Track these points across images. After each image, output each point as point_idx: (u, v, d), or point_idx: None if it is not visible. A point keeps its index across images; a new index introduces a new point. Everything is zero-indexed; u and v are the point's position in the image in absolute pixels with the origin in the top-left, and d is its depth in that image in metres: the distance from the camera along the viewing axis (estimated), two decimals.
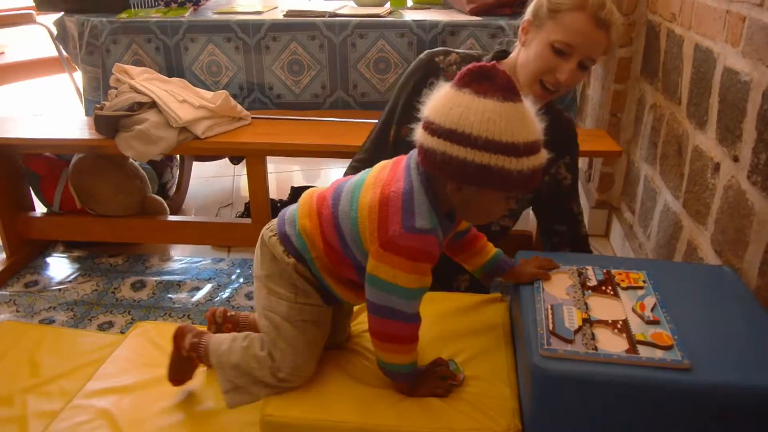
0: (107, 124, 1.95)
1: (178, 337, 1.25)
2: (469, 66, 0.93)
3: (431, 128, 0.94)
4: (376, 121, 1.59)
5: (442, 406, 1.09)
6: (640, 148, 2.11)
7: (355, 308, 1.31)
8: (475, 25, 2.13)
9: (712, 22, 1.52)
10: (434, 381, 1.12)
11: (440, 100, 0.94)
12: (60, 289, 2.14)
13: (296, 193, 2.56)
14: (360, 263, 1.06)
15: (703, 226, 1.53)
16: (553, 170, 1.52)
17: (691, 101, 1.64)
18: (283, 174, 3.27)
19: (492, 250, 1.24)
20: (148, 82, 2.04)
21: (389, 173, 1.04)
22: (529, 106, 0.94)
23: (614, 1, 1.35)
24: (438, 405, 1.09)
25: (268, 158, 3.26)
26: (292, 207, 1.15)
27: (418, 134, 0.97)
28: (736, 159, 1.36)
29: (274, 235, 1.13)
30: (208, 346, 1.20)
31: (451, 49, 1.54)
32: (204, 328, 1.31)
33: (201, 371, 1.36)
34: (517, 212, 1.62)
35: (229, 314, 1.37)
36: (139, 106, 1.95)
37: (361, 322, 1.32)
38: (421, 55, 1.52)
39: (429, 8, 2.45)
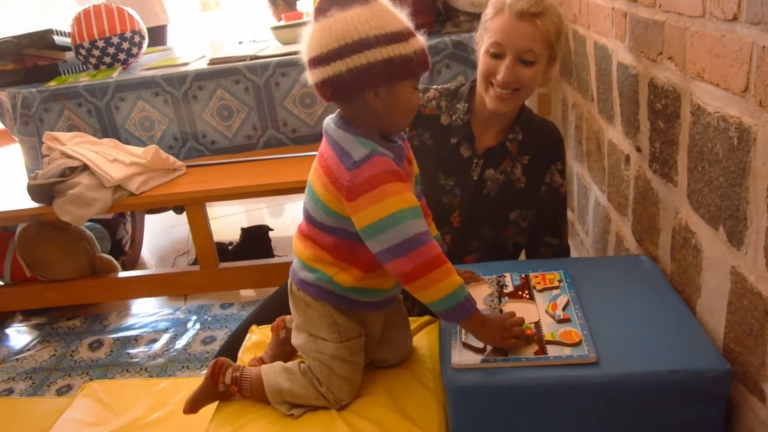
0: (41, 193, 1.97)
1: (217, 372, 1.19)
2: (319, 1, 0.97)
3: (323, 59, 0.96)
4: (312, 153, 1.60)
5: (370, 425, 1.10)
6: (570, 147, 2.15)
7: None
8: None
9: (603, 20, 1.57)
10: (506, 326, 1.04)
11: (312, 36, 0.97)
12: (18, 359, 2.14)
13: (247, 234, 2.58)
14: (357, 233, 1.03)
15: (625, 216, 1.57)
16: (548, 178, 1.50)
17: (599, 98, 1.69)
18: (231, 217, 3.29)
19: (433, 231, 1.22)
20: (78, 146, 2.07)
21: (318, 154, 1.07)
22: (386, 1, 0.99)
23: None
24: (366, 424, 1.10)
25: (217, 203, 3.31)
26: (294, 261, 1.16)
27: (311, 76, 1.00)
28: (639, 149, 1.39)
29: (296, 286, 1.13)
30: (254, 380, 1.16)
31: (429, 86, 1.56)
32: (241, 363, 1.25)
33: None
34: (528, 229, 1.57)
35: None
36: (70, 171, 1.98)
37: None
38: None
39: None
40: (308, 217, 1.09)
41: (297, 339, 1.16)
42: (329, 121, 1.06)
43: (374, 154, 0.98)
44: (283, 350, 1.26)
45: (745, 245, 0.92)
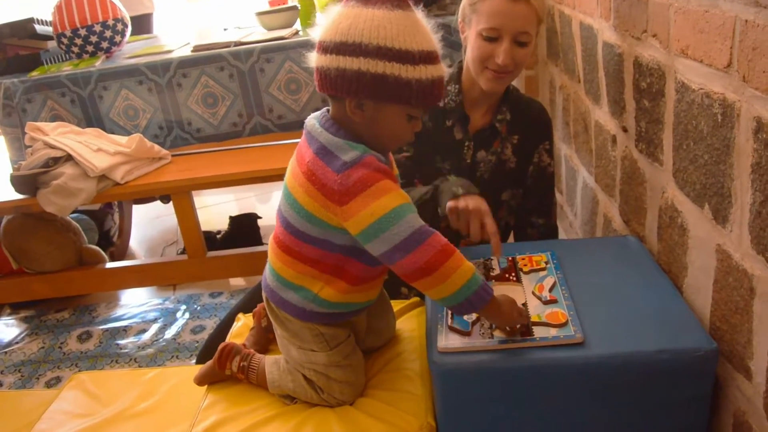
0: (24, 184, 1.95)
1: (224, 357, 1.18)
2: None
3: (322, 47, 0.91)
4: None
5: (355, 412, 1.09)
6: (557, 129, 2.14)
7: None
8: None
9: None
10: (518, 308, 1.02)
11: (328, 20, 0.92)
12: (6, 352, 2.12)
13: (235, 222, 2.57)
14: (346, 246, 1.00)
15: (612, 197, 1.56)
16: (536, 158, 1.49)
17: (586, 78, 1.68)
18: (221, 205, 3.27)
19: None
20: (62, 136, 2.05)
21: (296, 157, 1.01)
22: (422, 16, 0.92)
23: None
24: (352, 411, 1.10)
25: (207, 191, 3.29)
26: (266, 270, 1.12)
27: (313, 58, 0.95)
28: (625, 129, 1.39)
29: (273, 306, 1.10)
30: (261, 372, 1.16)
31: None
32: (249, 350, 1.20)
33: None
34: (516, 208, 1.57)
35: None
36: (54, 162, 1.95)
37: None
38: None
39: None
40: (288, 227, 1.01)
41: (286, 352, 1.12)
42: (313, 120, 1.00)
43: (367, 154, 0.93)
44: (265, 337, 1.26)
45: (730, 222, 0.92)
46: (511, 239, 1.63)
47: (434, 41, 0.93)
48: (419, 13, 0.93)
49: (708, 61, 0.93)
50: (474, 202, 1.19)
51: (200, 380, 1.22)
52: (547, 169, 1.52)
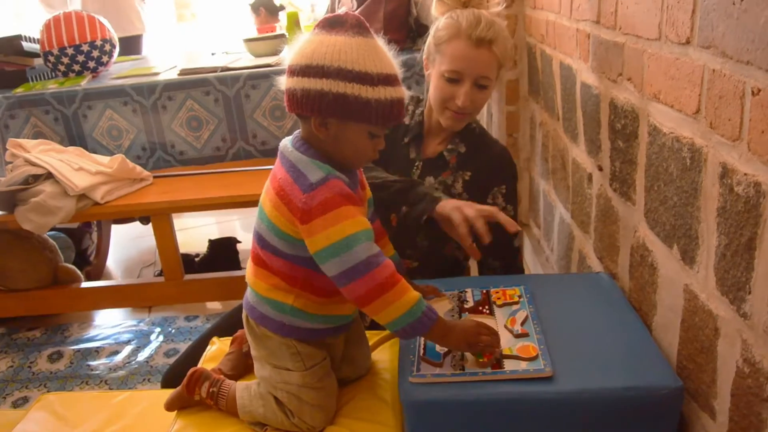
0: (2, 200, 1.94)
1: (192, 382, 1.18)
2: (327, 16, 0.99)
3: (290, 70, 0.98)
4: None
5: None
6: (537, 164, 2.18)
7: None
8: None
9: (568, 40, 1.60)
10: (474, 330, 1.03)
11: (296, 46, 0.99)
12: None
13: (214, 246, 2.56)
14: (313, 260, 1.01)
15: (587, 234, 1.59)
16: (490, 199, 1.49)
17: (564, 117, 1.72)
18: (201, 228, 3.27)
19: (389, 252, 1.22)
20: (43, 153, 2.04)
21: (270, 175, 1.06)
22: (382, 44, 0.99)
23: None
24: None
25: (186, 214, 3.29)
26: (247, 290, 1.13)
27: (283, 82, 1.01)
28: (600, 168, 1.42)
29: (252, 322, 1.11)
30: (230, 399, 1.16)
31: None
32: (218, 375, 1.21)
33: None
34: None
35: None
36: (34, 179, 1.95)
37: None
38: None
39: None
40: (260, 240, 1.06)
41: (260, 371, 1.13)
42: (286, 142, 1.05)
43: (330, 177, 0.97)
44: (243, 363, 1.25)
45: (697, 264, 0.94)
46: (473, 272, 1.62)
47: (394, 65, 0.99)
48: (380, 41, 0.99)
49: (678, 107, 0.96)
50: (469, 210, 1.24)
51: (169, 405, 1.20)
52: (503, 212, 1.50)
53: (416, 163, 1.48)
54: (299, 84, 0.96)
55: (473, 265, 1.60)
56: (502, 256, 1.52)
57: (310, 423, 1.10)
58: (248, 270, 1.12)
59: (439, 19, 1.40)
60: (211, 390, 1.16)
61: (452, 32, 1.35)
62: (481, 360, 1.04)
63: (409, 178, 1.40)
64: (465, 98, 1.36)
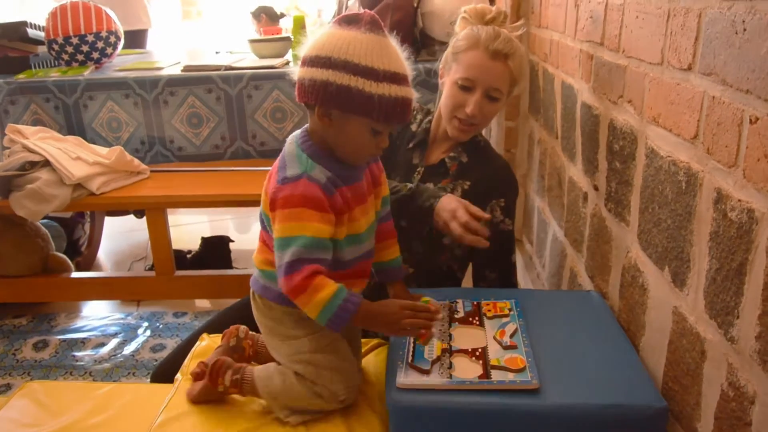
0: None
1: (215, 373, 1.18)
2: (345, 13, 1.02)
3: (302, 61, 1.01)
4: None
5: None
6: (533, 181, 2.20)
7: None
8: None
9: (570, 60, 1.62)
10: (397, 315, 1.04)
11: (312, 38, 1.02)
12: None
13: (207, 243, 2.56)
14: None
15: (580, 253, 1.60)
16: (488, 210, 1.47)
17: (563, 135, 1.73)
18: (194, 225, 3.27)
19: (394, 254, 1.24)
20: (41, 140, 2.04)
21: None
22: (395, 43, 1.01)
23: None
24: None
25: (182, 211, 3.29)
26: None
27: (295, 72, 1.04)
28: (596, 188, 1.43)
29: (257, 294, 1.14)
30: (253, 383, 1.17)
31: None
32: (241, 363, 1.22)
33: None
34: (465, 257, 1.57)
35: (249, 333, 1.32)
36: (31, 165, 1.95)
37: None
38: None
39: None
40: (261, 221, 1.11)
41: (274, 351, 1.16)
42: (295, 132, 1.09)
43: (303, 176, 1.01)
44: (230, 356, 1.25)
45: (687, 286, 0.95)
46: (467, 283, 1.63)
47: (403, 65, 1.01)
48: (393, 40, 1.01)
49: (677, 131, 0.98)
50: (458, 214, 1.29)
51: (195, 399, 1.21)
52: (500, 226, 1.49)
53: (418, 169, 1.51)
54: (308, 74, 0.99)
55: (468, 278, 1.61)
56: (498, 267, 1.54)
57: (331, 388, 1.11)
58: (257, 254, 1.16)
59: (459, 33, 1.44)
60: (234, 378, 1.17)
61: (471, 43, 1.40)
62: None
63: (410, 186, 1.42)
64: (475, 107, 1.40)
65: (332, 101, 0.98)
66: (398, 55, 1.00)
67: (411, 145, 1.53)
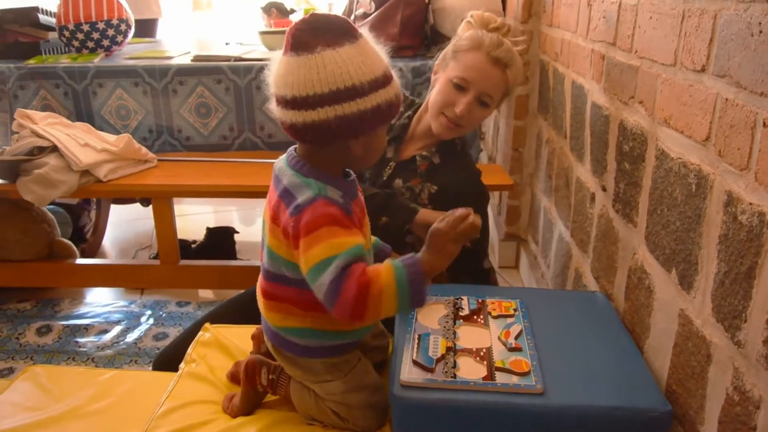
0: (6, 169, 1.94)
1: (251, 372, 1.15)
2: (296, 27, 0.91)
3: (307, 102, 0.89)
4: None
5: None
6: (540, 181, 2.19)
7: None
8: None
9: (582, 60, 1.61)
10: (443, 237, 0.96)
11: (297, 74, 0.89)
12: None
13: (212, 234, 2.56)
14: None
15: (586, 254, 1.59)
16: None
17: (572, 135, 1.73)
18: (199, 216, 3.27)
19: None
20: (50, 126, 2.04)
21: (267, 201, 1.02)
22: (369, 37, 0.95)
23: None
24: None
25: (187, 201, 3.29)
26: (264, 321, 1.11)
27: (288, 116, 0.92)
28: (604, 189, 1.43)
29: (277, 348, 1.10)
30: (287, 391, 1.15)
31: None
32: (277, 364, 1.17)
33: None
34: None
35: None
36: (39, 151, 1.95)
37: None
38: None
39: None
40: (266, 273, 1.04)
41: (298, 395, 1.12)
42: (281, 163, 1.01)
43: (318, 198, 0.93)
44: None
45: (695, 289, 0.95)
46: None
47: (382, 53, 0.96)
48: (365, 37, 0.95)
49: (688, 133, 0.97)
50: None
51: (239, 411, 1.16)
52: None
53: (390, 163, 1.50)
54: (332, 113, 0.89)
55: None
56: (472, 274, 1.53)
57: (363, 425, 1.10)
58: (260, 305, 1.10)
59: (462, 34, 1.44)
60: (270, 377, 1.15)
61: (474, 44, 1.40)
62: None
63: (386, 191, 1.42)
64: (465, 107, 1.40)
65: (367, 127, 0.93)
66: (374, 48, 0.95)
67: (388, 137, 1.47)
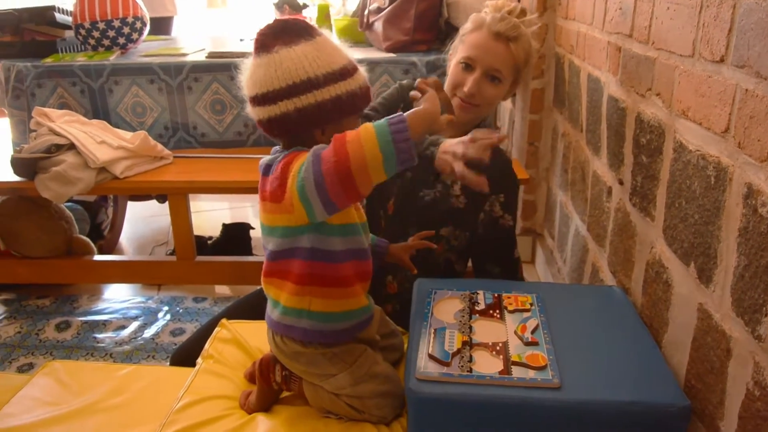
0: (24, 167, 1.96)
1: (265, 369, 1.17)
2: (260, 32, 0.98)
3: (267, 98, 0.95)
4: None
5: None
6: (556, 175, 2.18)
7: None
8: (389, 61, 2.21)
9: (598, 52, 1.60)
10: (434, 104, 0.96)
11: (256, 72, 0.96)
12: None
13: (228, 230, 2.57)
14: (307, 249, 1.01)
15: (602, 248, 1.58)
16: (488, 206, 1.49)
17: (588, 128, 1.71)
18: (215, 212, 3.29)
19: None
20: (67, 124, 2.06)
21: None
22: (329, 35, 1.00)
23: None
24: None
25: (203, 197, 3.31)
26: (267, 308, 1.12)
27: (255, 113, 0.98)
28: (621, 182, 1.41)
29: (279, 337, 1.10)
30: (301, 387, 1.16)
31: None
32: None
33: None
34: (462, 250, 1.56)
35: None
36: (57, 148, 1.97)
37: None
38: None
39: (351, 46, 2.52)
40: (268, 255, 1.07)
41: (311, 390, 1.13)
42: (264, 162, 1.03)
43: (289, 152, 0.96)
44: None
45: (714, 283, 0.94)
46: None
47: (347, 51, 1.01)
48: (325, 31, 1.01)
49: (707, 125, 0.96)
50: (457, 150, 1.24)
51: (255, 408, 1.18)
52: (500, 221, 1.49)
53: None
54: (291, 106, 0.94)
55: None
56: (501, 263, 1.53)
57: (378, 413, 1.11)
58: (264, 288, 1.11)
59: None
60: (284, 373, 1.16)
61: (476, 25, 1.44)
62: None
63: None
64: (473, 84, 1.41)
65: (329, 118, 0.96)
66: (334, 45, 0.99)
67: None
